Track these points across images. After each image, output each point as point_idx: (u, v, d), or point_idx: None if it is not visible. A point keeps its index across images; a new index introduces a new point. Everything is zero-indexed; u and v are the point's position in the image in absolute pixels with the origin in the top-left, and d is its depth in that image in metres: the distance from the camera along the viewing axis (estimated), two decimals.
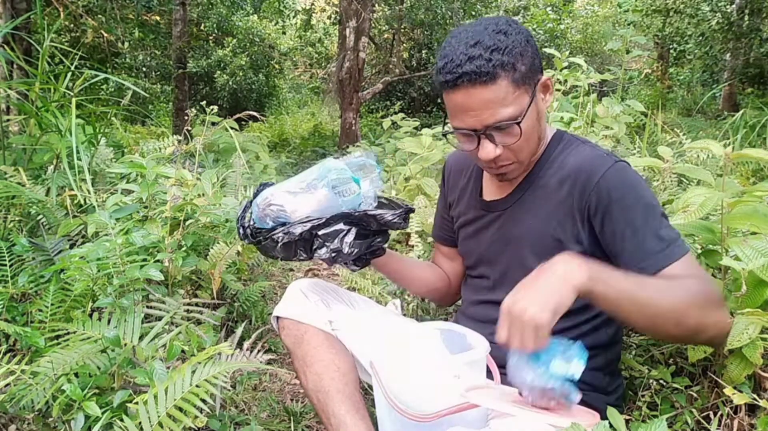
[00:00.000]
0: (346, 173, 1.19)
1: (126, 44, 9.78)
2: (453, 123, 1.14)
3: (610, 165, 1.12)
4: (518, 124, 1.09)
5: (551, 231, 1.17)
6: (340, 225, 1.16)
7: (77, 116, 2.33)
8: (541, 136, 1.19)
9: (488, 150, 1.11)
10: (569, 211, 1.15)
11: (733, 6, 9.24)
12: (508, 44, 1.07)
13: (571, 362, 0.91)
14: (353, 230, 1.16)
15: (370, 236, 1.20)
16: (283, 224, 1.18)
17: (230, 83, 12.24)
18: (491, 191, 1.30)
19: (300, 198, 1.18)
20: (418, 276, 1.45)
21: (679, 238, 1.09)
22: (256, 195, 1.26)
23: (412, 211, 1.23)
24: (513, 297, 0.93)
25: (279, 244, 1.17)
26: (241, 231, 1.25)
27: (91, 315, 1.58)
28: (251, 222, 1.23)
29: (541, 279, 0.93)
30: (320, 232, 1.15)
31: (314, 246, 1.17)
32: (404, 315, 1.56)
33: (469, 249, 1.36)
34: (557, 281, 0.92)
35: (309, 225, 1.15)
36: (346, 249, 1.15)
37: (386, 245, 1.29)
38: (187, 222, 2.04)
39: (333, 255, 1.16)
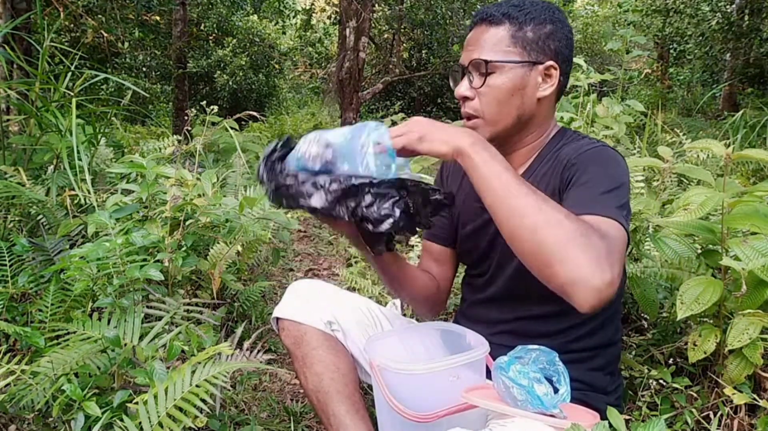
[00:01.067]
0: (386, 139, 1.00)
1: (126, 44, 9.77)
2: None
3: (594, 146, 1.15)
4: (486, 63, 1.12)
5: None
6: (393, 191, 0.99)
7: (77, 116, 2.33)
8: (524, 114, 1.16)
9: (461, 86, 1.17)
10: (555, 196, 1.14)
11: (733, 6, 9.23)
12: (531, 9, 1.15)
13: (550, 385, 0.94)
14: (404, 200, 1.00)
15: (416, 215, 1.04)
16: (329, 172, 1.00)
17: (230, 83, 12.23)
18: None
19: (350, 149, 1.00)
20: (416, 281, 1.36)
21: (619, 206, 1.02)
22: (280, 145, 1.06)
23: (452, 195, 1.12)
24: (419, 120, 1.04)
25: (329, 195, 0.97)
26: (262, 168, 1.03)
27: (91, 315, 1.58)
28: (281, 163, 1.02)
29: (441, 124, 1.04)
30: (374, 190, 0.98)
31: (363, 203, 0.98)
32: (404, 315, 1.56)
33: (467, 249, 1.35)
34: (447, 132, 1.01)
35: (367, 179, 0.97)
36: (397, 214, 0.98)
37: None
38: (187, 222, 2.04)
39: (383, 215, 0.98)
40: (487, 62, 1.13)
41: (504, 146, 1.20)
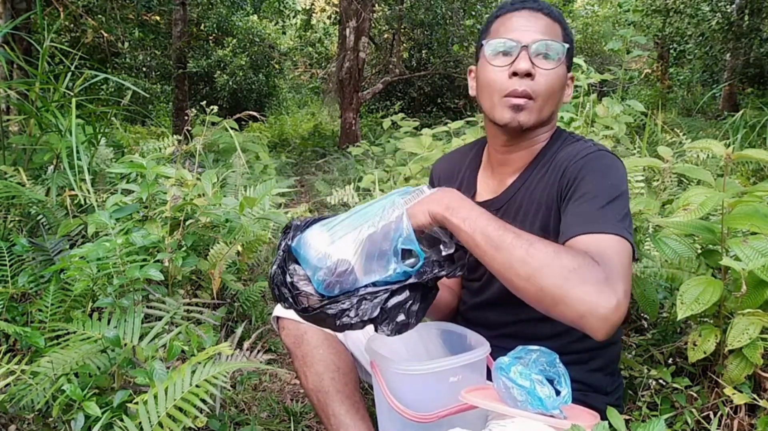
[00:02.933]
0: (412, 243, 0.95)
1: (126, 44, 9.77)
2: (496, 37, 1.16)
3: (590, 152, 1.13)
4: (565, 47, 1.14)
5: (542, 228, 1.15)
6: (407, 293, 0.96)
7: (77, 116, 2.33)
8: (555, 112, 1.20)
9: (526, 61, 1.11)
10: (554, 205, 1.14)
11: (733, 6, 9.23)
12: (565, 20, 1.20)
13: (552, 386, 0.94)
14: (418, 296, 0.98)
15: (429, 295, 1.01)
16: (347, 293, 0.97)
17: (230, 83, 12.24)
18: (485, 192, 1.29)
19: (368, 253, 0.96)
20: (443, 303, 1.34)
21: (621, 219, 1.01)
22: (289, 238, 1.02)
23: (465, 255, 1.02)
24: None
25: (337, 322, 0.96)
26: (276, 292, 1.00)
27: (91, 315, 1.58)
28: (291, 279, 0.99)
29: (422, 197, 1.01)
30: (389, 305, 0.95)
31: (377, 322, 0.96)
32: None
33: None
34: (423, 202, 0.99)
35: (374, 303, 0.95)
36: (412, 321, 0.97)
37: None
38: (187, 223, 2.04)
39: (398, 329, 0.97)
40: (568, 47, 1.15)
41: (522, 140, 1.20)
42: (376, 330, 0.98)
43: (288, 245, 1.01)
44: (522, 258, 0.90)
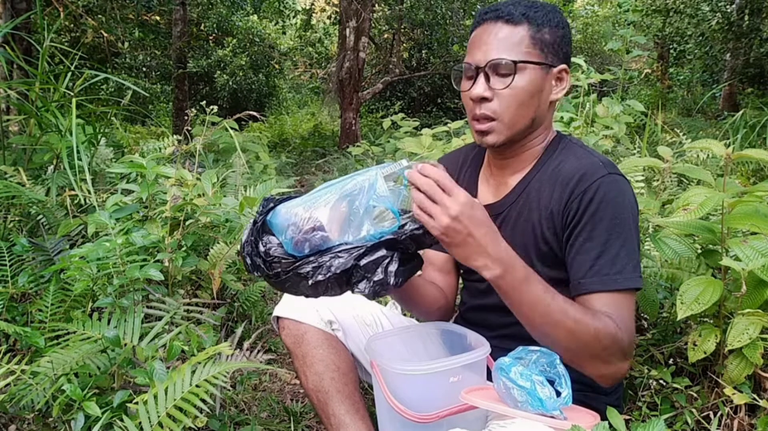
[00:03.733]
0: (386, 201, 0.97)
1: (126, 44, 9.78)
2: (465, 59, 1.16)
3: (601, 175, 1.09)
4: (515, 63, 1.09)
5: (542, 236, 1.15)
6: (383, 252, 0.96)
7: (77, 116, 2.33)
8: (538, 116, 1.16)
9: (479, 86, 1.11)
10: (557, 215, 1.13)
11: (733, 6, 9.23)
12: (545, 11, 1.13)
13: (552, 387, 0.95)
14: (396, 256, 0.97)
15: (411, 260, 1.01)
16: (318, 253, 0.96)
17: (230, 83, 12.24)
18: (486, 195, 1.27)
19: (339, 217, 0.97)
20: (430, 294, 1.32)
21: (633, 269, 1.06)
22: (261, 214, 1.02)
23: None
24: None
25: (310, 280, 0.95)
26: (248, 261, 1.00)
27: (91, 315, 1.58)
28: (264, 248, 0.99)
29: (483, 242, 0.95)
30: (362, 262, 0.94)
31: (353, 280, 0.96)
32: (404, 315, 1.56)
33: None
34: (482, 257, 0.96)
35: (346, 256, 0.94)
36: (391, 280, 0.95)
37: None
38: (187, 223, 2.04)
39: (376, 288, 0.96)
40: (515, 62, 1.09)
41: (510, 150, 1.19)
42: (353, 292, 0.97)
43: (262, 218, 1.01)
44: (565, 334, 0.99)
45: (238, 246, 1.03)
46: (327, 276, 0.95)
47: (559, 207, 1.12)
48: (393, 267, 0.96)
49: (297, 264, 0.96)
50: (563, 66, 1.16)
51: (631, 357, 1.03)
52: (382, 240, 0.97)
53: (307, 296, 1.01)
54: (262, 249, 0.98)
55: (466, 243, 0.94)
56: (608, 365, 1.01)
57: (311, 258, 0.96)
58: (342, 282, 0.97)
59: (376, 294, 0.97)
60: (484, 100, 1.12)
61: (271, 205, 1.02)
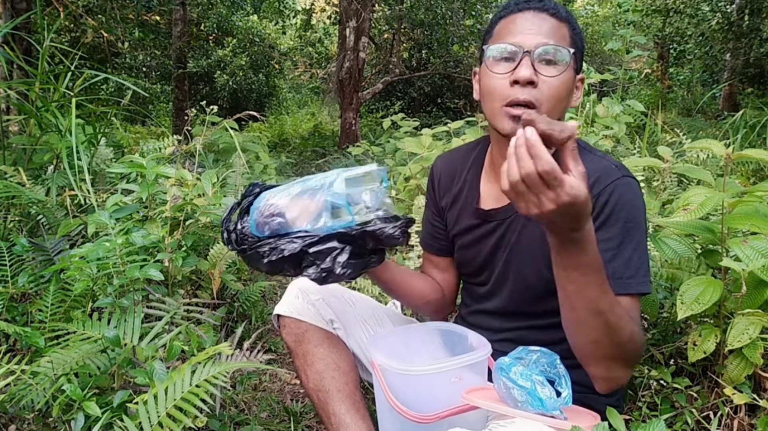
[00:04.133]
0: (341, 199, 1.07)
1: (126, 44, 9.78)
2: (498, 41, 1.10)
3: (615, 178, 1.08)
4: (571, 53, 1.07)
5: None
6: (334, 243, 1.05)
7: (77, 116, 2.33)
8: (563, 118, 1.13)
9: (528, 68, 1.04)
10: None
11: (733, 6, 9.24)
12: (574, 19, 1.13)
13: (553, 387, 0.95)
14: (347, 249, 1.05)
15: (366, 255, 1.09)
16: (278, 236, 1.08)
17: (230, 83, 12.24)
18: (490, 199, 1.24)
19: (300, 208, 1.08)
20: (414, 287, 1.32)
21: (645, 274, 1.06)
22: (245, 196, 1.15)
23: (412, 222, 1.12)
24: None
25: (265, 259, 1.06)
26: (225, 235, 1.13)
27: (91, 315, 1.58)
28: (241, 227, 1.11)
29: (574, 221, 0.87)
30: (311, 250, 1.04)
31: (303, 264, 1.06)
32: (405, 314, 1.56)
33: (466, 259, 1.29)
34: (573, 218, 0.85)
35: (299, 243, 1.05)
36: (338, 270, 1.04)
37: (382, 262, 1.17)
38: (187, 223, 2.04)
39: (323, 275, 1.05)
40: (572, 52, 1.07)
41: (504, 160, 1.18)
42: (301, 274, 1.07)
43: (248, 201, 1.13)
44: (602, 328, 0.94)
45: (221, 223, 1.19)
46: (278, 257, 1.05)
47: None
48: (342, 259, 1.05)
49: (259, 243, 1.08)
50: (581, 75, 1.16)
51: (638, 360, 1.05)
52: (335, 233, 1.06)
53: (267, 273, 1.12)
54: (239, 227, 1.11)
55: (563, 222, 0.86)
56: (623, 368, 1.00)
57: (270, 241, 1.07)
58: (295, 264, 1.07)
59: (323, 280, 1.06)
60: (530, 84, 1.05)
61: (257, 189, 1.15)
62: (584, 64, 3.15)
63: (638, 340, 0.99)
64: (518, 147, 0.82)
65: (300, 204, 1.07)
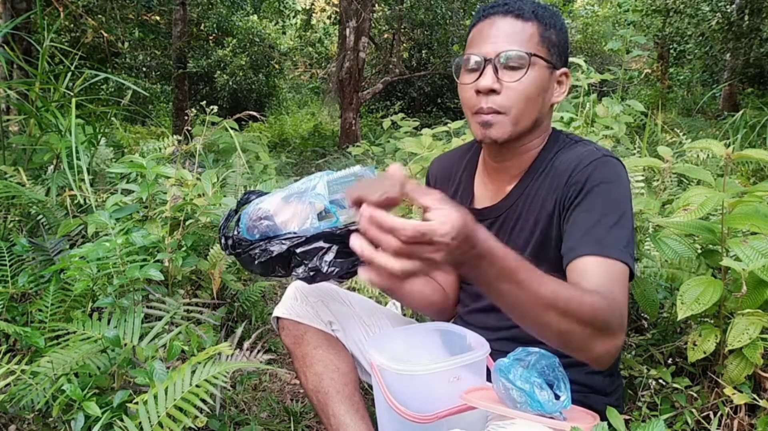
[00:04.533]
0: (324, 200, 1.11)
1: (126, 44, 9.78)
2: (466, 51, 1.14)
3: (595, 158, 1.09)
4: (529, 55, 1.08)
5: (542, 236, 1.14)
6: (320, 243, 1.10)
7: (77, 116, 2.33)
8: (540, 117, 1.15)
9: (488, 78, 1.08)
10: (555, 211, 1.12)
11: (733, 6, 9.24)
12: (551, 12, 1.13)
13: (551, 390, 0.94)
14: (334, 248, 1.09)
15: (353, 254, 1.07)
16: (268, 239, 1.13)
17: (230, 83, 12.24)
18: (483, 199, 1.27)
19: (287, 211, 1.13)
20: (416, 291, 1.32)
21: (626, 244, 1.02)
22: (241, 203, 1.21)
23: None
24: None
25: (256, 261, 1.12)
26: (222, 241, 1.19)
27: (91, 315, 1.58)
28: (235, 232, 1.17)
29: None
30: (298, 250, 1.09)
31: (292, 264, 1.11)
32: (404, 315, 1.56)
33: None
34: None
35: (287, 244, 1.10)
36: (325, 269, 1.09)
37: None
38: (187, 223, 2.04)
39: (311, 274, 1.10)
40: (530, 54, 1.08)
41: (508, 151, 1.18)
42: (291, 274, 1.12)
43: (243, 207, 1.20)
44: (554, 320, 0.85)
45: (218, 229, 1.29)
46: (267, 258, 1.10)
47: (555, 195, 1.12)
48: (328, 257, 1.09)
49: (251, 246, 1.13)
50: (565, 70, 1.16)
51: (624, 334, 0.95)
52: (321, 233, 1.10)
53: (260, 274, 1.18)
54: (235, 233, 1.17)
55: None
56: (604, 341, 0.91)
57: (261, 243, 1.12)
58: (285, 265, 1.12)
59: (312, 279, 1.11)
60: (492, 92, 1.09)
61: (252, 197, 1.21)
62: (584, 64, 3.16)
63: (602, 308, 0.90)
64: (369, 232, 0.72)
65: (287, 207, 1.12)
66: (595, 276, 0.97)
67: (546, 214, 1.13)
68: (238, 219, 1.19)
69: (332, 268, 1.09)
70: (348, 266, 1.11)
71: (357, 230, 1.02)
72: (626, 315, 0.97)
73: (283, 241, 1.10)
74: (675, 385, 1.52)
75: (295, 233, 1.11)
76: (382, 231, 0.71)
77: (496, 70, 1.09)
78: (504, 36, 1.09)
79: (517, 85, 1.08)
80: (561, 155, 1.16)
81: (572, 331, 0.88)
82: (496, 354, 1.10)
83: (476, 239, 0.76)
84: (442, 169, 1.38)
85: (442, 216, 0.72)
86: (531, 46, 1.09)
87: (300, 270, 1.10)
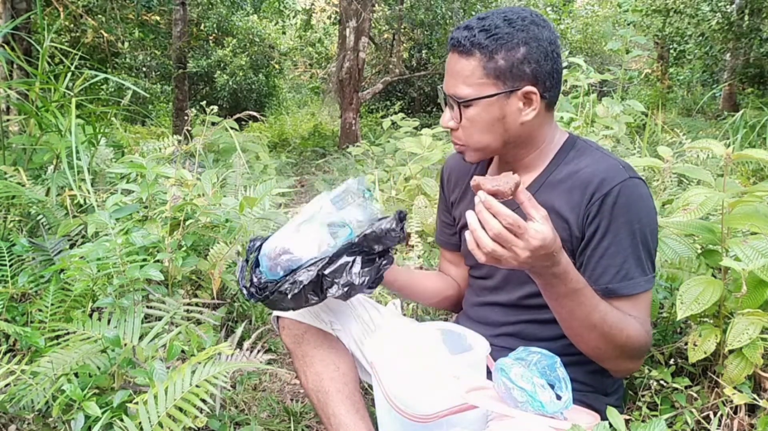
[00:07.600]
0: (334, 218, 1.17)
1: (126, 44, 9.78)
2: None
3: (623, 179, 1.08)
4: (459, 104, 1.11)
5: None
6: (344, 258, 1.13)
7: (77, 116, 2.33)
8: (512, 140, 1.15)
9: (445, 116, 1.16)
10: (573, 215, 1.12)
11: (733, 6, 9.24)
12: (501, 33, 1.07)
13: (553, 390, 0.96)
14: (358, 260, 1.13)
15: (376, 260, 1.16)
16: (293, 271, 1.15)
17: (230, 83, 12.24)
18: None
19: (303, 240, 1.15)
20: (428, 287, 1.41)
21: (652, 270, 1.11)
22: (249, 252, 1.24)
23: (404, 214, 1.17)
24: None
25: (288, 295, 1.13)
26: (245, 293, 1.20)
27: (91, 315, 1.58)
28: (257, 278, 1.18)
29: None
30: (327, 271, 1.12)
31: (324, 287, 1.13)
32: (404, 315, 1.56)
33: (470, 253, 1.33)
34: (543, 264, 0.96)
35: (314, 269, 1.12)
36: (356, 281, 1.12)
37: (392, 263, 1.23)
38: (187, 222, 2.03)
39: (346, 290, 1.12)
40: (459, 102, 1.11)
41: (508, 163, 1.21)
42: (326, 297, 1.14)
43: (254, 257, 1.23)
44: (598, 338, 1.04)
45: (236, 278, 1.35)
46: (300, 289, 1.12)
47: (579, 210, 1.11)
48: (356, 269, 1.12)
49: (279, 284, 1.14)
50: (528, 88, 1.09)
51: (644, 356, 1.12)
52: (342, 248, 1.13)
53: (294, 308, 1.20)
54: (255, 280, 1.18)
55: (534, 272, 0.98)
56: (630, 362, 1.10)
57: (287, 277, 1.14)
58: (317, 291, 1.14)
59: (348, 295, 1.13)
60: (452, 128, 1.16)
61: (258, 243, 1.23)
62: (584, 64, 3.15)
63: (638, 338, 1.06)
64: (480, 212, 0.90)
65: (301, 236, 1.16)
66: (630, 311, 1.09)
67: (563, 220, 1.13)
68: (253, 267, 1.21)
69: (362, 278, 1.12)
70: (375, 272, 1.15)
71: (372, 232, 1.12)
72: (649, 340, 1.10)
73: (309, 268, 1.12)
74: (675, 385, 1.52)
75: (317, 257, 1.13)
76: (489, 214, 0.89)
77: (452, 107, 1.14)
78: (451, 74, 1.12)
79: (466, 122, 1.13)
80: (583, 160, 1.15)
81: (606, 350, 1.05)
82: (497, 350, 1.11)
83: (558, 260, 0.94)
84: (458, 164, 1.40)
85: (540, 227, 0.90)
86: (473, 82, 1.09)
87: (333, 290, 1.12)
